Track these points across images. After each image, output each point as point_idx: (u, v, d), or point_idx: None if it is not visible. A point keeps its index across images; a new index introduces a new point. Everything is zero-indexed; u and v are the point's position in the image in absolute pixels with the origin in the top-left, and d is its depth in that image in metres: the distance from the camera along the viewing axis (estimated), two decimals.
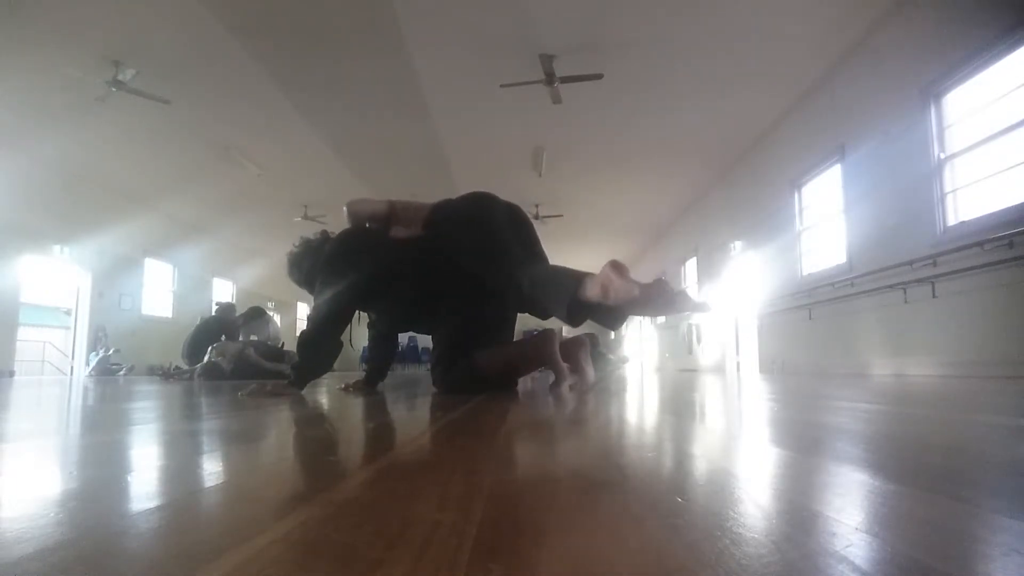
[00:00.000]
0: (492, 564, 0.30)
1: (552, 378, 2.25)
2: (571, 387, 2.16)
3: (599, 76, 5.29)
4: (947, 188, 4.14)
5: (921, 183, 4.28)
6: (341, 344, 2.14)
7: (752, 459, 0.68)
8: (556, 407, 1.53)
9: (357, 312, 2.26)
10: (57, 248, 8.57)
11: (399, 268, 2.10)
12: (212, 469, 0.64)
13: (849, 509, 0.42)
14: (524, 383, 2.92)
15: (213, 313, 6.66)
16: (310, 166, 8.07)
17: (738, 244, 7.80)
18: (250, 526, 0.38)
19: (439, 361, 2.26)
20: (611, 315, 1.49)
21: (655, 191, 9.19)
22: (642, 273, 11.66)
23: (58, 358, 12.08)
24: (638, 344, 13.90)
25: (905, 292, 4.44)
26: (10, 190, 7.44)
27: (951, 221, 4.10)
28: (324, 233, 2.35)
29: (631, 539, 0.35)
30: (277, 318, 8.08)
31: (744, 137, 7.08)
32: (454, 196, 2.24)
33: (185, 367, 5.63)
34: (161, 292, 11.05)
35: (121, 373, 8.34)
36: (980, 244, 3.71)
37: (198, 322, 6.13)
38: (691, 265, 10.18)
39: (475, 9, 4.65)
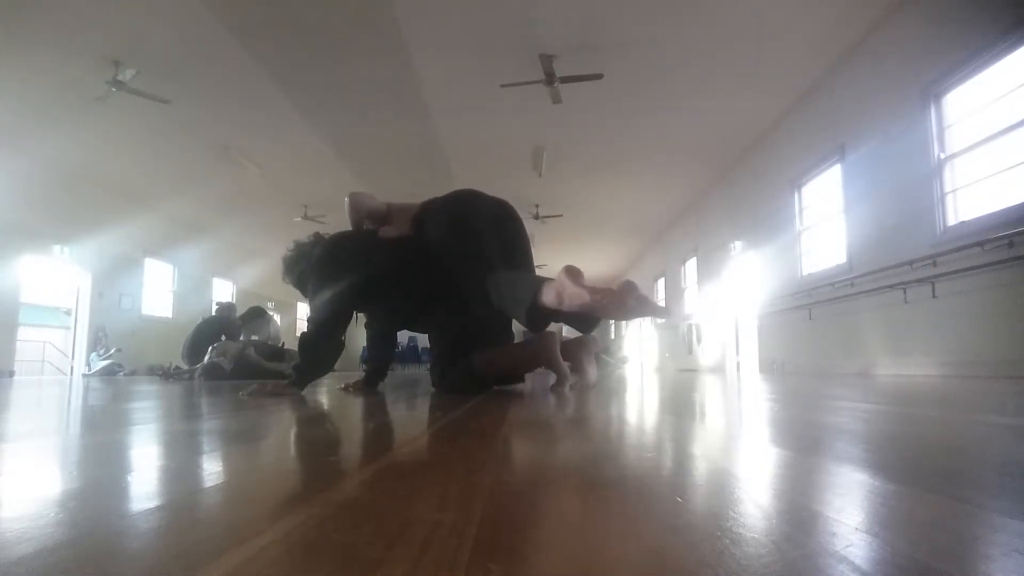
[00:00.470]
0: (492, 564, 0.30)
1: (553, 378, 2.25)
2: (571, 387, 2.16)
3: (599, 76, 5.29)
4: (947, 188, 4.14)
5: (921, 183, 4.28)
6: (342, 345, 2.15)
7: (752, 459, 0.68)
8: (556, 407, 1.53)
9: (356, 312, 2.26)
10: (57, 248, 8.57)
11: (391, 269, 2.11)
12: (212, 469, 0.64)
13: (849, 509, 0.42)
14: (524, 383, 2.92)
15: (213, 313, 6.66)
16: (310, 166, 8.07)
17: (738, 244, 7.80)
18: (250, 526, 0.38)
19: (439, 361, 2.27)
20: (577, 319, 1.49)
21: (655, 191, 9.19)
22: (642, 273, 11.61)
23: (58, 358, 12.08)
24: (638, 344, 13.90)
25: (905, 292, 4.44)
26: (10, 190, 7.44)
27: (951, 221, 4.10)
28: (317, 236, 2.35)
29: (631, 539, 0.35)
30: (277, 318, 8.07)
31: (744, 137, 7.08)
32: None
33: (185, 367, 5.63)
34: (161, 292, 11.05)
35: (121, 373, 8.34)
36: (980, 244, 3.71)
37: (198, 322, 6.13)
38: (691, 265, 10.18)
39: (475, 9, 4.65)
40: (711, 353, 9.03)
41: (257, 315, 6.03)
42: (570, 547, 0.34)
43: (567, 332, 2.14)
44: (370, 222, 2.28)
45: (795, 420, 1.13)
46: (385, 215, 2.25)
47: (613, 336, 17.16)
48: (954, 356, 3.99)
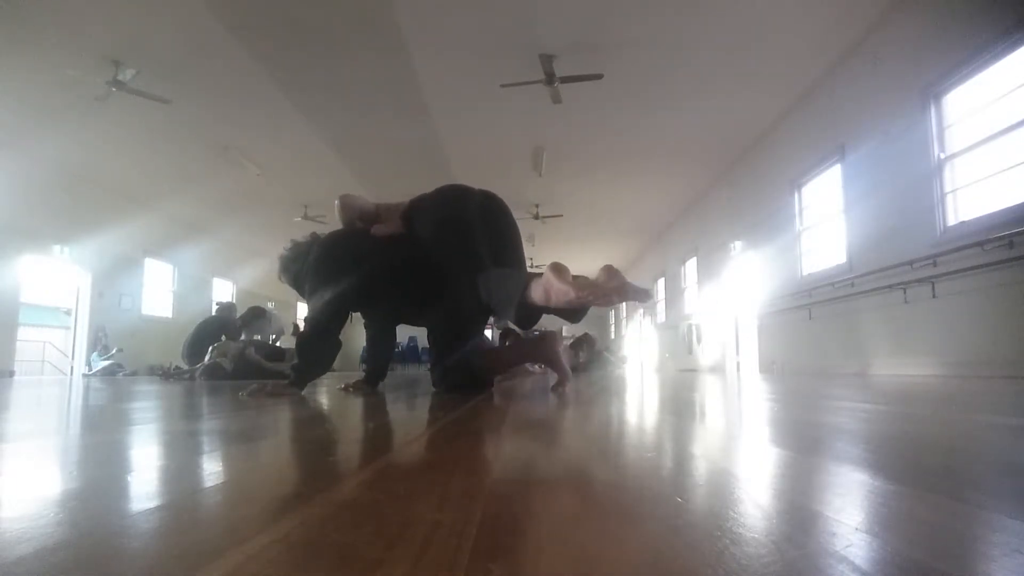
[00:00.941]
0: (492, 564, 0.30)
1: (554, 378, 2.25)
2: (554, 387, 2.15)
3: (599, 76, 5.29)
4: (947, 188, 4.14)
5: (921, 183, 4.28)
6: (339, 344, 2.16)
7: (752, 459, 0.68)
8: (556, 407, 1.53)
9: (351, 312, 2.27)
10: (57, 248, 8.57)
11: (386, 268, 2.11)
12: (212, 469, 0.64)
13: (849, 509, 0.42)
14: (524, 383, 2.92)
15: (213, 313, 6.66)
16: (310, 166, 8.07)
17: (738, 244, 7.80)
18: (250, 526, 0.38)
19: (438, 361, 2.26)
20: (566, 312, 1.55)
21: (655, 191, 9.19)
22: (642, 273, 11.59)
23: (58, 358, 12.08)
24: (638, 344, 13.90)
25: (905, 292, 4.44)
26: (10, 190, 7.44)
27: (951, 221, 4.10)
28: (313, 236, 2.37)
29: (631, 539, 0.35)
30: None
31: (744, 137, 7.08)
32: None
33: (185, 367, 5.63)
34: (161, 292, 11.05)
35: (122, 374, 8.34)
36: (980, 244, 3.71)
37: (199, 322, 6.13)
38: (691, 265, 10.18)
39: (475, 9, 4.65)
40: (711, 353, 9.03)
41: (257, 315, 6.03)
42: (570, 547, 0.34)
43: (566, 331, 2.13)
44: (361, 222, 2.29)
45: (795, 420, 1.13)
46: (375, 215, 2.27)
47: (613, 336, 17.16)
48: (954, 356, 3.98)
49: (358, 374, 3.31)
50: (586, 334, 6.97)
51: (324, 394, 2.22)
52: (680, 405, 1.62)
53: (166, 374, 5.62)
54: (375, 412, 1.48)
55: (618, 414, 1.33)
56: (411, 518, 0.39)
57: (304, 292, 2.22)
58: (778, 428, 1.01)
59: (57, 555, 0.31)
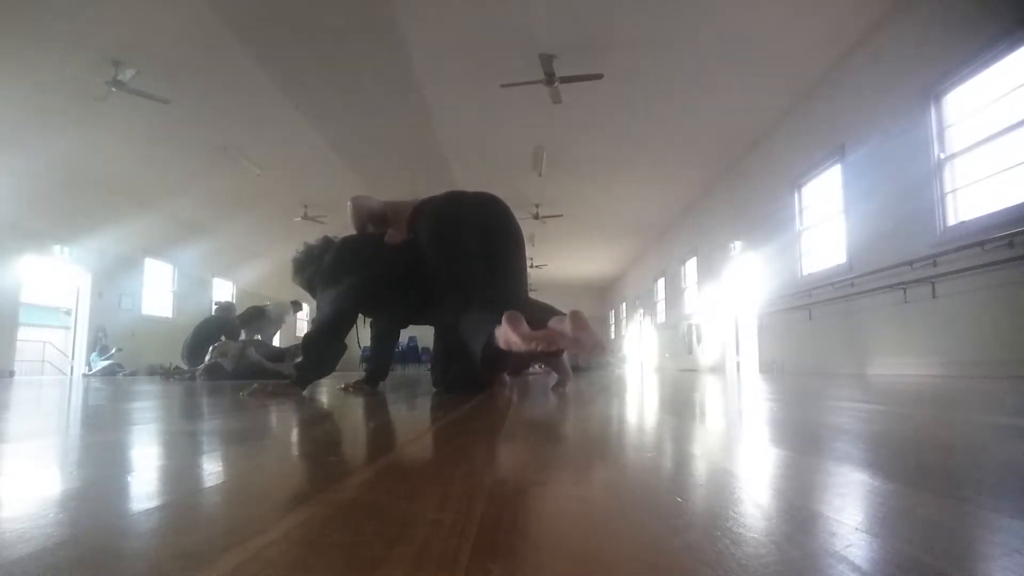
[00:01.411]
0: (492, 564, 0.30)
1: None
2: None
3: (599, 76, 5.28)
4: (947, 188, 4.14)
5: (921, 183, 4.28)
6: (345, 346, 2.17)
7: (752, 459, 0.68)
8: (556, 407, 1.53)
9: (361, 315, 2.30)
10: (57, 248, 8.57)
11: (395, 274, 2.15)
12: (212, 469, 0.64)
13: (849, 509, 0.42)
14: (524, 383, 2.92)
15: (213, 313, 6.67)
16: (310, 166, 8.07)
17: (738, 244, 7.80)
18: (250, 526, 0.38)
19: (439, 361, 2.27)
20: (539, 356, 1.63)
21: (655, 191, 9.19)
22: (642, 273, 11.55)
23: (58, 358, 12.08)
24: (638, 344, 13.90)
25: (905, 292, 4.44)
26: (10, 190, 7.44)
27: (951, 221, 4.10)
28: (326, 239, 2.41)
29: (631, 539, 0.35)
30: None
31: (744, 137, 7.08)
32: None
33: (185, 367, 5.63)
34: (161, 292, 11.05)
35: (122, 374, 8.33)
36: (980, 244, 3.71)
37: (198, 322, 6.13)
38: (691, 265, 10.17)
39: (475, 9, 4.65)
40: (711, 353, 9.02)
41: (256, 315, 6.03)
42: (570, 547, 0.34)
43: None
44: (372, 225, 2.34)
45: (795, 420, 1.13)
46: (384, 215, 2.31)
47: (613, 336, 17.16)
48: (954, 356, 3.98)
49: (358, 374, 3.31)
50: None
51: (325, 394, 2.22)
52: (680, 405, 1.62)
53: (166, 374, 5.62)
54: (376, 412, 1.48)
55: (618, 414, 1.33)
56: (412, 518, 0.39)
57: (316, 294, 2.27)
58: (778, 428, 1.01)
59: (57, 555, 0.31)
